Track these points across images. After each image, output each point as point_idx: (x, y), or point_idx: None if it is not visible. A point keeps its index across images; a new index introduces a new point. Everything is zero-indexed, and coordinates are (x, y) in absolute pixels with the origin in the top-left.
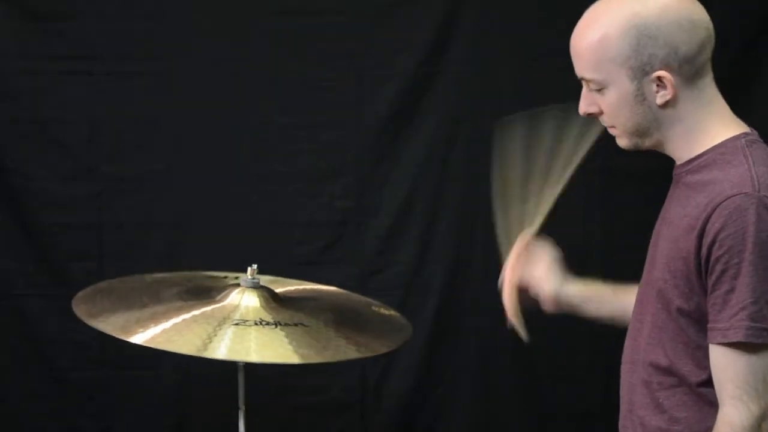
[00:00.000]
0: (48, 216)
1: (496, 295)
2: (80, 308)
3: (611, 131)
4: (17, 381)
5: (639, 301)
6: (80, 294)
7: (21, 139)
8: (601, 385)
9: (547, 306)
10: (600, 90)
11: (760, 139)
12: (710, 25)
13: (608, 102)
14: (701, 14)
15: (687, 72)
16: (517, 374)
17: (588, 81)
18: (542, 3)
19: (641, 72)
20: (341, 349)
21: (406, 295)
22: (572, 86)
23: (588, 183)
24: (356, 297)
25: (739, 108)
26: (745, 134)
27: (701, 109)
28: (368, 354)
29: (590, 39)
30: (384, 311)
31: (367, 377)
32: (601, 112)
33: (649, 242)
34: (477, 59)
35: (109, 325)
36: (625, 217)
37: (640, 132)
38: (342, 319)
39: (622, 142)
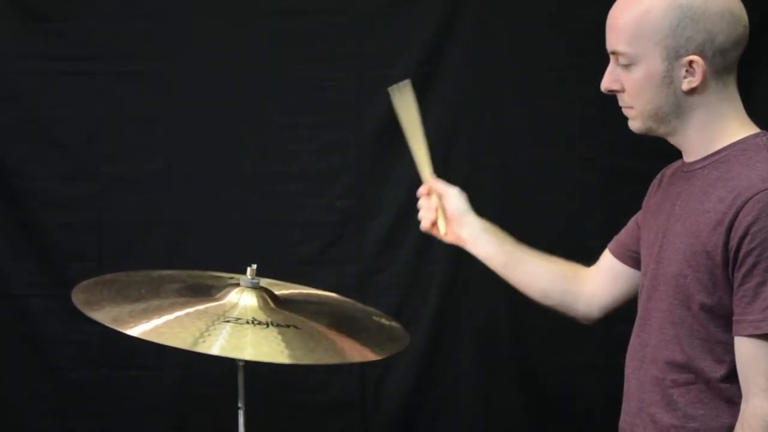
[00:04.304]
0: (48, 216)
1: (497, 295)
2: (78, 297)
3: (626, 112)
4: (17, 381)
5: (645, 298)
6: (83, 283)
7: (21, 139)
8: (601, 385)
9: (450, 226)
10: (628, 66)
11: None
12: (747, 24)
13: (633, 80)
14: (743, 11)
15: (718, 63)
16: (517, 374)
17: (618, 55)
18: (542, 3)
19: (675, 53)
20: (328, 353)
21: (406, 295)
22: (572, 86)
23: (588, 183)
24: (359, 306)
25: None
26: (763, 133)
27: (722, 104)
28: (354, 360)
29: (632, 12)
30: (384, 321)
31: (367, 377)
32: (622, 90)
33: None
34: (477, 59)
35: (102, 314)
36: (625, 217)
37: (658, 116)
38: (337, 324)
39: (636, 124)
